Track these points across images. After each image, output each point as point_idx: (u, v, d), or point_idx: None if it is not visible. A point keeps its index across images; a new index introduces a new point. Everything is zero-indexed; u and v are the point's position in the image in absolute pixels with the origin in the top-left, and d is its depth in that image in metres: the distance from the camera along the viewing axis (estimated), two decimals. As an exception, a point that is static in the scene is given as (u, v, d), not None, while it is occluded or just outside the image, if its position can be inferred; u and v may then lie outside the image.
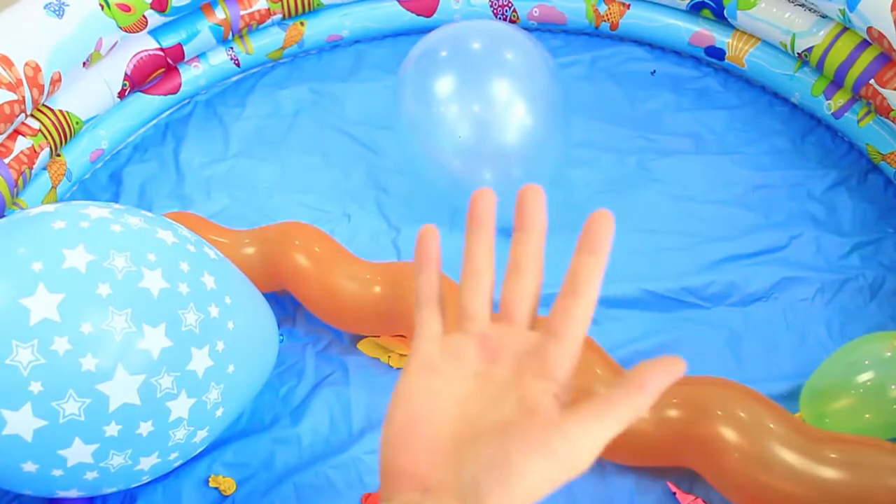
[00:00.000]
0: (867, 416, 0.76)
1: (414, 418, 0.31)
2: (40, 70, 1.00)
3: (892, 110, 1.02)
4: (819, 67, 1.12)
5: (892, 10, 0.94)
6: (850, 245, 1.02)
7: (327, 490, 0.82)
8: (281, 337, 0.93)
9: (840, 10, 1.03)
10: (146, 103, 1.28)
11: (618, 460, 0.80)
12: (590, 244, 0.34)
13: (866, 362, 0.77)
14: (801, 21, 1.12)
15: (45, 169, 1.14)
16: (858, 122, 1.11)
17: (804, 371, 0.85)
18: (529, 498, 0.29)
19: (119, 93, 1.20)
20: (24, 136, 1.05)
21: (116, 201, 1.19)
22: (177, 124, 1.32)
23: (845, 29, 1.07)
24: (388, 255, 1.06)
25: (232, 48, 1.34)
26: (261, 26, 1.33)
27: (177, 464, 0.77)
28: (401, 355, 0.93)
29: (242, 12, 1.28)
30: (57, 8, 1.04)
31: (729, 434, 0.70)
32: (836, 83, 1.12)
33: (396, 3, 1.39)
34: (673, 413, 0.74)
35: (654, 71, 1.32)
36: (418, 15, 1.40)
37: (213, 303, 0.73)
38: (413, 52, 1.00)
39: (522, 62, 0.95)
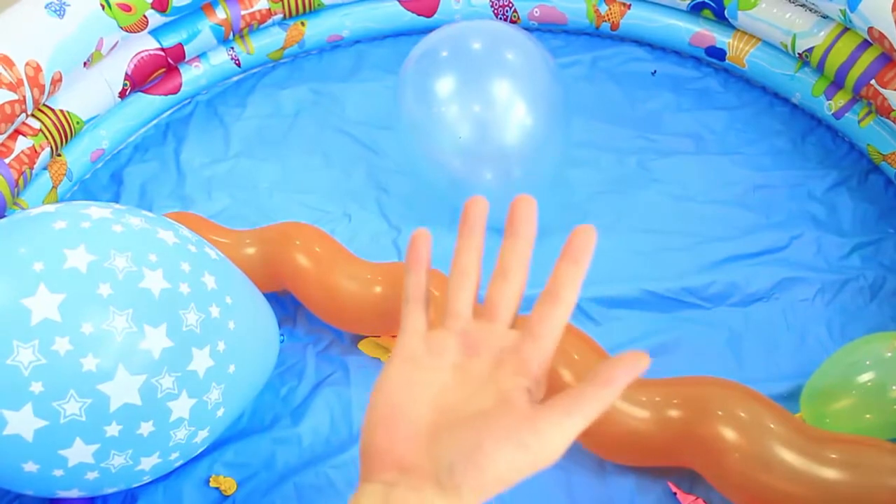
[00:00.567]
0: (867, 416, 0.76)
1: (395, 406, 0.34)
2: (41, 70, 1.00)
3: (893, 111, 1.02)
4: (820, 68, 1.12)
5: (892, 11, 0.94)
6: (850, 245, 1.02)
7: (328, 490, 0.82)
8: (282, 337, 0.93)
9: (841, 10, 1.03)
10: (147, 103, 1.28)
11: (618, 460, 0.80)
12: (572, 253, 0.36)
13: (867, 362, 0.77)
14: (801, 21, 1.12)
15: (45, 169, 1.14)
16: (859, 122, 1.11)
17: (804, 371, 0.85)
18: (501, 482, 0.31)
19: (120, 93, 1.20)
20: (24, 135, 1.05)
21: (117, 201, 1.19)
22: (177, 124, 1.32)
23: (846, 29, 1.07)
24: (389, 255, 1.06)
25: (233, 48, 1.34)
26: (261, 26, 1.33)
27: (178, 464, 0.77)
28: (401, 355, 0.93)
29: (243, 12, 1.28)
30: (58, 8, 1.04)
31: (729, 434, 0.70)
32: (837, 83, 1.12)
33: (397, 3, 1.39)
34: (673, 413, 0.74)
35: (655, 71, 1.32)
36: (419, 15, 1.40)
37: (213, 303, 0.73)
38: (413, 53, 1.00)
39: (523, 62, 0.95)
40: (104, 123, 1.23)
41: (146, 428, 0.68)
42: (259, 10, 1.30)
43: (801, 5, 1.13)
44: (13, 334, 0.62)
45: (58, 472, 0.66)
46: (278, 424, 0.89)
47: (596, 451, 0.79)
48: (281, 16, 1.33)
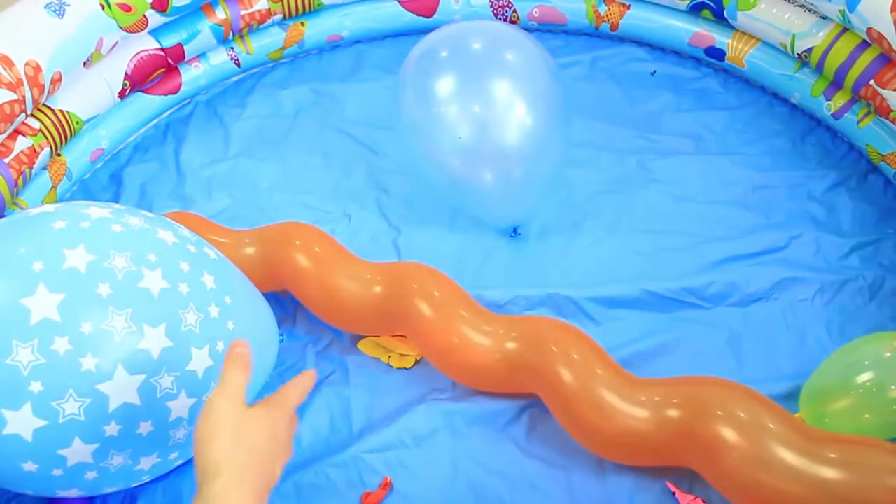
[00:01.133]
0: (867, 416, 0.76)
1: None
2: (41, 70, 1.00)
3: (892, 111, 1.02)
4: (819, 68, 1.12)
5: (891, 11, 0.94)
6: (849, 246, 1.02)
7: (327, 489, 0.82)
8: (281, 337, 0.93)
9: (840, 10, 1.03)
10: (147, 103, 1.28)
11: (617, 460, 0.80)
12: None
13: (866, 363, 0.77)
14: (800, 22, 1.12)
15: (45, 169, 1.14)
16: (858, 122, 1.12)
17: (804, 371, 0.85)
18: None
19: (119, 92, 1.20)
20: (24, 135, 1.05)
21: (117, 201, 1.19)
22: (177, 124, 1.32)
23: (845, 30, 1.08)
24: (389, 255, 1.06)
25: (232, 48, 1.34)
26: (261, 26, 1.33)
27: (177, 463, 0.77)
28: (401, 355, 0.93)
29: (243, 12, 1.28)
30: (57, 7, 1.04)
31: (729, 434, 0.70)
32: (836, 84, 1.12)
33: (397, 3, 1.39)
34: (673, 413, 0.74)
35: (655, 71, 1.32)
36: (419, 15, 1.40)
37: (213, 303, 0.73)
38: (413, 53, 1.00)
39: (523, 63, 0.95)
40: (104, 123, 1.23)
41: (145, 427, 0.68)
42: (259, 11, 1.30)
43: (801, 6, 1.13)
44: (12, 334, 0.62)
45: (57, 472, 0.66)
46: (278, 424, 0.89)
47: (595, 451, 0.79)
48: (281, 16, 1.33)
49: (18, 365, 0.61)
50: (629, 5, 1.33)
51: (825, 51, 1.09)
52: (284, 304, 1.00)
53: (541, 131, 0.95)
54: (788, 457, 0.68)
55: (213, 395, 0.57)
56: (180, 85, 1.31)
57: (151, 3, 1.15)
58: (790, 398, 0.85)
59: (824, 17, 1.10)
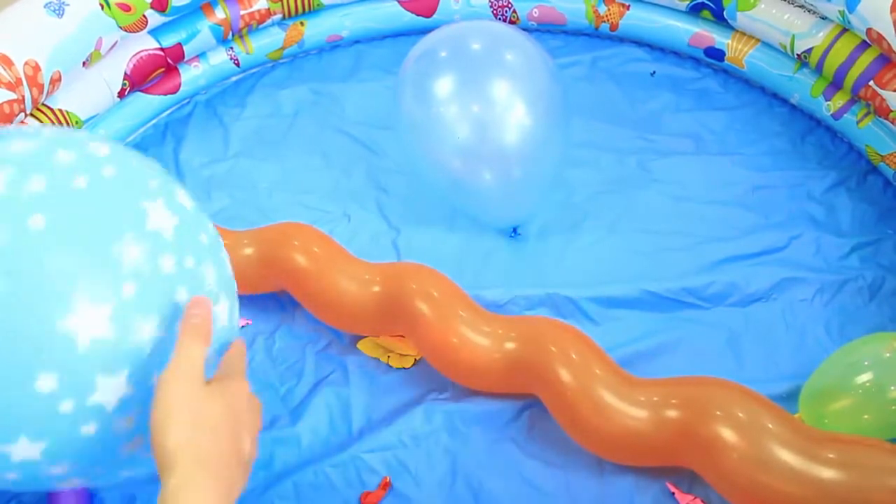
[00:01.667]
0: (866, 416, 0.76)
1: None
2: (40, 69, 1.00)
3: (892, 111, 1.02)
4: (818, 69, 1.12)
5: (891, 12, 0.94)
6: (849, 246, 1.02)
7: (327, 489, 0.82)
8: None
9: (839, 11, 1.03)
10: (146, 103, 1.28)
11: (616, 460, 0.80)
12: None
13: (866, 363, 0.77)
14: (800, 22, 1.12)
15: (44, 168, 1.13)
16: (858, 123, 1.12)
17: (803, 371, 0.85)
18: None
19: (119, 92, 1.20)
20: (23, 135, 1.05)
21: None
22: (176, 124, 1.32)
23: (845, 30, 1.08)
24: (389, 255, 1.06)
25: (232, 48, 1.34)
26: (261, 26, 1.33)
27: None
28: (401, 355, 0.93)
29: (242, 12, 1.28)
30: (57, 7, 1.04)
31: (728, 434, 0.70)
32: (836, 84, 1.12)
33: (396, 3, 1.39)
34: (672, 413, 0.74)
35: (654, 72, 1.32)
36: (418, 15, 1.40)
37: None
38: (413, 53, 1.00)
39: (522, 63, 0.95)
40: (103, 123, 1.23)
41: None
42: (258, 10, 1.30)
43: (800, 6, 1.13)
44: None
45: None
46: (277, 424, 0.89)
47: (594, 451, 0.79)
48: (280, 16, 1.33)
49: None
50: (629, 5, 1.33)
51: (825, 51, 1.09)
52: (284, 303, 1.00)
53: (540, 131, 0.95)
54: (788, 457, 0.68)
55: (167, 372, 0.48)
56: (179, 85, 1.31)
57: (151, 3, 1.15)
58: (790, 398, 0.85)
59: (824, 18, 1.10)
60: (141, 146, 1.29)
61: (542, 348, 0.80)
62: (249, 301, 0.99)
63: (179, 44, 1.25)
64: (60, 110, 1.11)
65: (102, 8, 1.09)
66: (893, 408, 0.75)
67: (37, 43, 1.00)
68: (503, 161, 0.95)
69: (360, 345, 0.95)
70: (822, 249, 1.02)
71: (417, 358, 0.93)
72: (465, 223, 1.09)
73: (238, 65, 1.36)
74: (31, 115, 1.07)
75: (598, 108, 1.26)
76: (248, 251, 0.95)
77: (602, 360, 0.79)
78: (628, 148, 1.19)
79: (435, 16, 1.40)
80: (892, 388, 0.75)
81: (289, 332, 0.98)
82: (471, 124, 0.93)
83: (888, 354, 0.76)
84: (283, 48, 1.38)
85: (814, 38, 1.10)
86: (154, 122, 1.32)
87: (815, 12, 1.12)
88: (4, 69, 0.95)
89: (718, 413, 0.71)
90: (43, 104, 1.09)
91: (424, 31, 1.15)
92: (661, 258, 1.02)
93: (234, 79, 1.39)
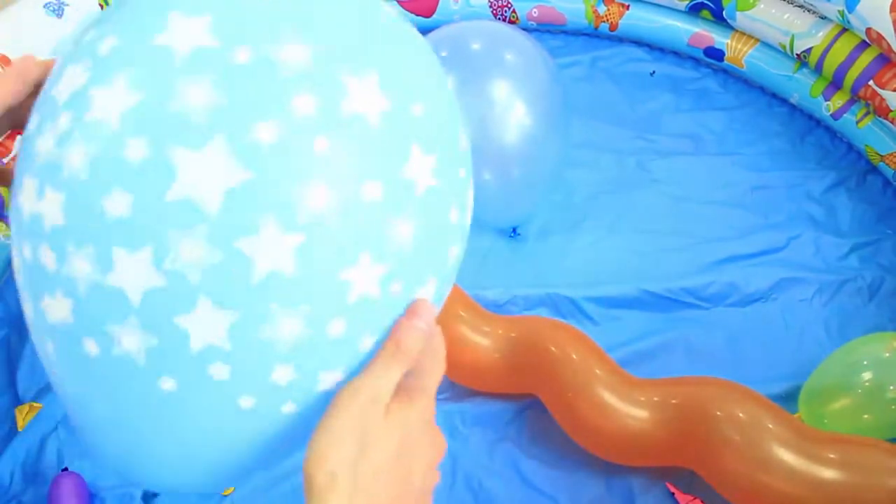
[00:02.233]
0: (866, 416, 0.76)
1: None
2: (40, 70, 1.00)
3: (891, 111, 1.02)
4: (818, 68, 1.12)
5: (890, 12, 0.94)
6: (848, 246, 1.02)
7: (327, 490, 0.82)
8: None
9: (839, 11, 1.03)
10: (145, 103, 1.28)
11: (616, 460, 0.80)
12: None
13: (865, 363, 0.77)
14: (800, 22, 1.12)
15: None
16: (857, 123, 1.12)
17: (803, 371, 0.85)
18: None
19: (118, 92, 1.20)
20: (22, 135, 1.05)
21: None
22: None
23: (844, 30, 1.08)
24: (388, 255, 1.06)
25: (231, 48, 1.34)
26: (260, 26, 1.33)
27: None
28: (400, 355, 0.93)
29: (242, 12, 1.28)
30: (56, 7, 1.04)
31: (728, 434, 0.70)
32: (835, 84, 1.12)
33: (396, 3, 1.39)
34: (672, 413, 0.74)
35: (654, 72, 1.32)
36: (418, 15, 1.40)
37: None
38: (413, 53, 0.99)
39: (522, 63, 0.95)
40: (103, 123, 1.22)
41: None
42: (258, 10, 1.29)
43: (800, 6, 1.13)
44: None
45: None
46: (277, 424, 0.88)
47: (595, 451, 0.79)
48: (280, 16, 1.33)
49: None
50: (628, 5, 1.33)
51: (824, 51, 1.09)
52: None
53: (540, 131, 0.95)
54: (787, 457, 0.68)
55: (350, 390, 0.38)
56: (179, 85, 1.30)
57: (150, 3, 1.15)
58: (789, 398, 0.85)
59: (823, 18, 1.10)
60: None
61: (542, 348, 0.80)
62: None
63: (179, 44, 1.24)
64: (60, 110, 1.11)
65: (102, 8, 1.09)
66: (893, 408, 0.75)
67: (36, 43, 1.00)
68: (503, 161, 0.95)
69: (359, 345, 0.95)
70: (822, 249, 1.02)
71: (417, 358, 0.93)
72: (464, 223, 1.09)
73: (237, 65, 1.36)
74: (31, 115, 1.07)
75: (598, 108, 1.26)
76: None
77: (602, 360, 0.79)
78: (628, 148, 1.19)
79: (435, 16, 1.40)
80: (892, 387, 0.75)
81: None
82: (471, 124, 0.93)
83: (888, 354, 0.76)
84: (282, 48, 1.38)
85: (813, 37, 1.10)
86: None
87: (814, 12, 1.12)
88: (4, 69, 0.95)
89: (718, 413, 0.71)
90: (42, 104, 1.09)
91: (424, 31, 1.14)
92: (660, 258, 1.02)
93: (233, 79, 1.39)
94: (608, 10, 1.34)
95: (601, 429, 0.76)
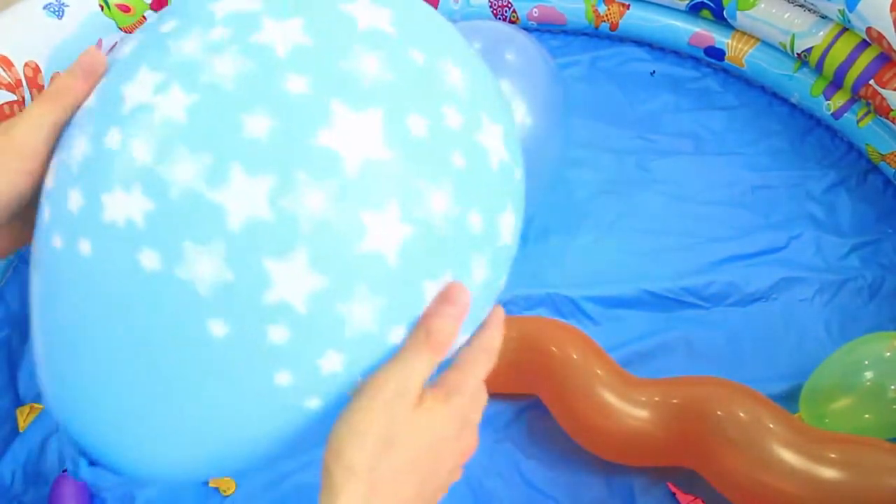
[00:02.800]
0: (867, 416, 0.76)
1: None
2: (40, 71, 1.00)
3: (892, 111, 1.02)
4: (818, 68, 1.12)
5: (891, 11, 0.94)
6: (849, 245, 1.02)
7: (327, 490, 0.82)
8: None
9: (839, 10, 1.03)
10: (146, 104, 1.28)
11: (617, 460, 0.80)
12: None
13: (866, 363, 0.77)
14: (800, 21, 1.12)
15: (44, 169, 1.14)
16: (858, 122, 1.12)
17: (804, 371, 0.85)
18: None
19: (119, 93, 1.20)
20: (23, 136, 1.05)
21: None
22: (176, 125, 1.31)
23: (845, 29, 1.08)
24: (388, 255, 1.06)
25: (232, 49, 1.34)
26: (260, 27, 1.33)
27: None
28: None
29: (242, 13, 1.28)
30: (57, 8, 1.04)
31: (728, 434, 0.70)
32: (836, 83, 1.12)
33: (396, 3, 1.39)
34: (672, 413, 0.74)
35: (654, 71, 1.32)
36: (418, 15, 1.40)
37: None
38: (413, 53, 0.99)
39: (522, 62, 0.95)
40: (103, 124, 1.23)
41: None
42: (258, 11, 1.29)
43: (800, 5, 1.13)
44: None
45: None
46: (277, 425, 0.88)
47: (595, 451, 0.79)
48: (280, 16, 1.33)
49: None
50: (629, 5, 1.33)
51: (825, 50, 1.09)
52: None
53: (540, 131, 0.95)
54: (788, 457, 0.68)
55: (376, 382, 0.35)
56: (179, 85, 1.30)
57: (150, 4, 1.15)
58: (790, 398, 0.85)
59: (824, 17, 1.10)
60: (141, 147, 1.29)
61: (543, 348, 0.80)
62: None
63: (179, 44, 1.25)
64: (60, 111, 1.11)
65: (102, 9, 1.09)
66: (894, 407, 0.75)
67: (37, 44, 1.00)
68: (503, 161, 0.95)
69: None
70: (822, 249, 1.02)
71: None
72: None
73: (238, 65, 1.36)
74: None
75: (598, 107, 1.26)
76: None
77: (602, 360, 0.79)
78: (627, 148, 1.19)
79: (434, 16, 1.40)
80: (893, 387, 0.75)
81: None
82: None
83: (888, 354, 0.76)
84: (282, 48, 1.38)
85: (814, 37, 1.10)
86: (154, 122, 1.32)
87: (815, 11, 1.12)
88: (4, 70, 0.95)
89: (719, 413, 0.71)
90: (43, 105, 1.09)
91: (424, 32, 1.15)
92: (660, 258, 1.02)
93: (233, 79, 1.39)
94: (608, 9, 1.34)
95: (602, 429, 0.76)
